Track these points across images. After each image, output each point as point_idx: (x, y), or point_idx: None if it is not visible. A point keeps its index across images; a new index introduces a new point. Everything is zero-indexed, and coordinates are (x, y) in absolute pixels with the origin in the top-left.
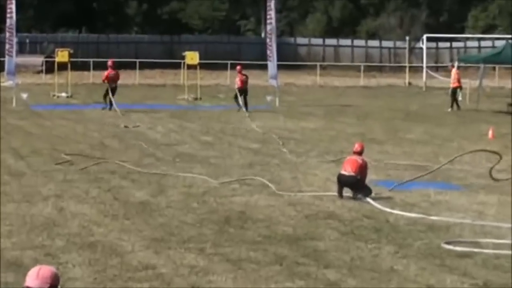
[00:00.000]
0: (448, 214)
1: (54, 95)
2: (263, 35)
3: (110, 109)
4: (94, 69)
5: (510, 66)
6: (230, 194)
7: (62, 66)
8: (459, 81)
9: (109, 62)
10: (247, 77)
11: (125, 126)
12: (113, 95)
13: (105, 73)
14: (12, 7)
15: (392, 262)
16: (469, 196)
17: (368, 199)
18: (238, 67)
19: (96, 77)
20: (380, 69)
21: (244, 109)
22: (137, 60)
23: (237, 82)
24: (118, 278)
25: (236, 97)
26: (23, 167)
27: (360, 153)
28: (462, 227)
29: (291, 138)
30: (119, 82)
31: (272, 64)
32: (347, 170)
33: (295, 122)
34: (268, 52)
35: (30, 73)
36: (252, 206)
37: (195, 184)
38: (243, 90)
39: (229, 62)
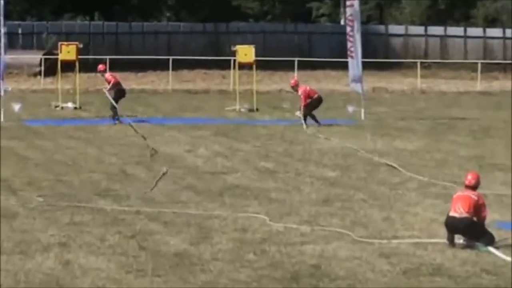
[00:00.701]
0: None
1: (56, 106)
2: (342, 22)
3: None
4: (111, 69)
5: None
6: (298, 242)
7: (68, 66)
8: None
9: (100, 67)
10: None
11: (152, 150)
12: (116, 102)
13: (108, 77)
14: None
15: None
16: None
17: (490, 248)
18: (292, 82)
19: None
20: (504, 68)
21: (316, 123)
22: (170, 58)
23: (302, 99)
24: None
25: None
26: (15, 205)
27: (474, 187)
28: None
29: (382, 164)
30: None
31: (354, 62)
32: (458, 210)
33: (387, 142)
34: (349, 45)
35: (23, 75)
36: (329, 258)
37: (250, 227)
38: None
39: (296, 59)
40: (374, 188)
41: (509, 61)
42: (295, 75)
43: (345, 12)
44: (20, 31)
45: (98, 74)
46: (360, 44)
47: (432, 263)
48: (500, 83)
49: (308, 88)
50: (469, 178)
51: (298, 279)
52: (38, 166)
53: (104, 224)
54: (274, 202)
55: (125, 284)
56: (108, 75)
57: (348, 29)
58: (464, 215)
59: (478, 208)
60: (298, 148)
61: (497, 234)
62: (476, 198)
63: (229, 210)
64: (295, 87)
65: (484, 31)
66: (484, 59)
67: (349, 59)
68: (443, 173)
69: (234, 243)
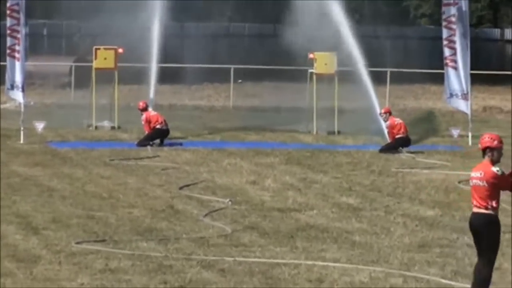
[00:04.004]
0: None
1: (89, 125)
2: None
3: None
4: (159, 80)
5: None
6: None
7: (105, 76)
8: None
9: (141, 104)
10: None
11: (183, 186)
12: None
13: (145, 116)
14: None
15: None
16: None
17: None
18: (383, 110)
19: (163, 94)
20: None
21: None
22: (232, 67)
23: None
24: None
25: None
26: (38, 247)
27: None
28: None
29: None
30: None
31: (457, 74)
32: None
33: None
34: (448, 53)
35: (49, 87)
36: None
37: (328, 277)
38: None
39: (388, 70)
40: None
41: None
42: (387, 92)
43: (443, 12)
44: (45, 31)
45: (144, 86)
46: (468, 52)
47: None
48: None
49: (398, 121)
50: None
51: None
52: (65, 200)
53: (147, 271)
54: (358, 247)
55: None
56: (147, 115)
57: (446, 32)
58: None
59: None
60: (388, 181)
61: None
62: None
63: (301, 256)
64: (384, 116)
65: None
66: None
67: (446, 70)
68: None
69: None
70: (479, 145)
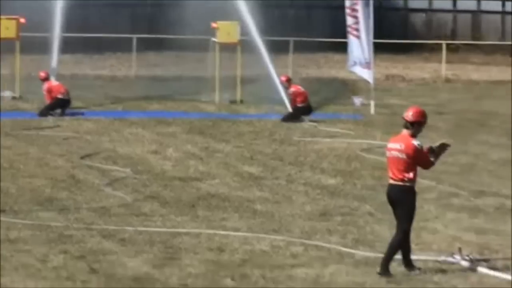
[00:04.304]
0: None
1: None
2: None
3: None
4: (62, 50)
5: None
6: (288, 264)
7: (6, 45)
8: None
9: (42, 74)
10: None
11: (84, 156)
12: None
13: (46, 86)
14: None
15: None
16: None
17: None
18: (283, 78)
19: (65, 64)
20: None
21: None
22: (134, 36)
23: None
24: None
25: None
26: None
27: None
28: None
29: None
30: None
31: (360, 43)
32: None
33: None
34: (351, 21)
35: None
36: (326, 284)
37: (228, 246)
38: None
39: (291, 39)
40: (383, 199)
41: None
42: (290, 60)
43: None
44: None
45: (46, 56)
46: (371, 21)
47: None
48: None
49: (300, 90)
50: (409, 117)
51: None
52: None
53: (47, 241)
54: (259, 216)
55: None
56: (49, 85)
57: (349, 1)
58: None
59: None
60: (290, 149)
61: None
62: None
63: (202, 225)
64: (285, 84)
65: None
66: None
67: (350, 39)
68: (469, 181)
69: (207, 265)
70: (407, 118)
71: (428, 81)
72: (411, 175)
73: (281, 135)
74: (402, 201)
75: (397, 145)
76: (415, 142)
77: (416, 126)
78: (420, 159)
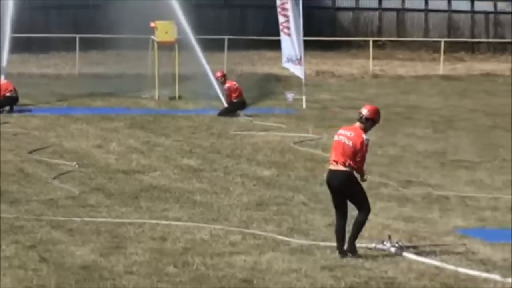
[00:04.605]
0: None
1: None
2: None
3: None
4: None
5: None
6: (227, 252)
7: None
8: None
9: None
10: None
11: (33, 151)
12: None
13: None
14: None
15: None
16: None
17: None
18: (218, 74)
19: (13, 63)
20: (471, 48)
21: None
22: (77, 36)
23: (227, 93)
24: None
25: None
26: None
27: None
28: None
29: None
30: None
31: (290, 41)
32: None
33: (332, 135)
34: (282, 20)
35: None
36: (263, 270)
37: (170, 235)
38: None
39: (226, 37)
40: (316, 189)
41: (479, 40)
42: (225, 58)
43: None
44: None
45: None
46: (300, 19)
47: (383, 277)
48: (467, 66)
49: (235, 85)
50: (365, 114)
51: None
52: None
53: None
54: (199, 206)
55: None
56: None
57: (279, 1)
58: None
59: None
60: (227, 143)
61: (460, 240)
62: (351, 139)
63: (145, 215)
64: (220, 80)
65: (449, 4)
66: (448, 37)
67: (282, 36)
68: (397, 172)
69: (151, 254)
70: (363, 113)
71: (356, 76)
72: (352, 162)
73: (218, 129)
74: (349, 186)
75: (348, 133)
76: (365, 136)
77: (370, 122)
78: (361, 153)
